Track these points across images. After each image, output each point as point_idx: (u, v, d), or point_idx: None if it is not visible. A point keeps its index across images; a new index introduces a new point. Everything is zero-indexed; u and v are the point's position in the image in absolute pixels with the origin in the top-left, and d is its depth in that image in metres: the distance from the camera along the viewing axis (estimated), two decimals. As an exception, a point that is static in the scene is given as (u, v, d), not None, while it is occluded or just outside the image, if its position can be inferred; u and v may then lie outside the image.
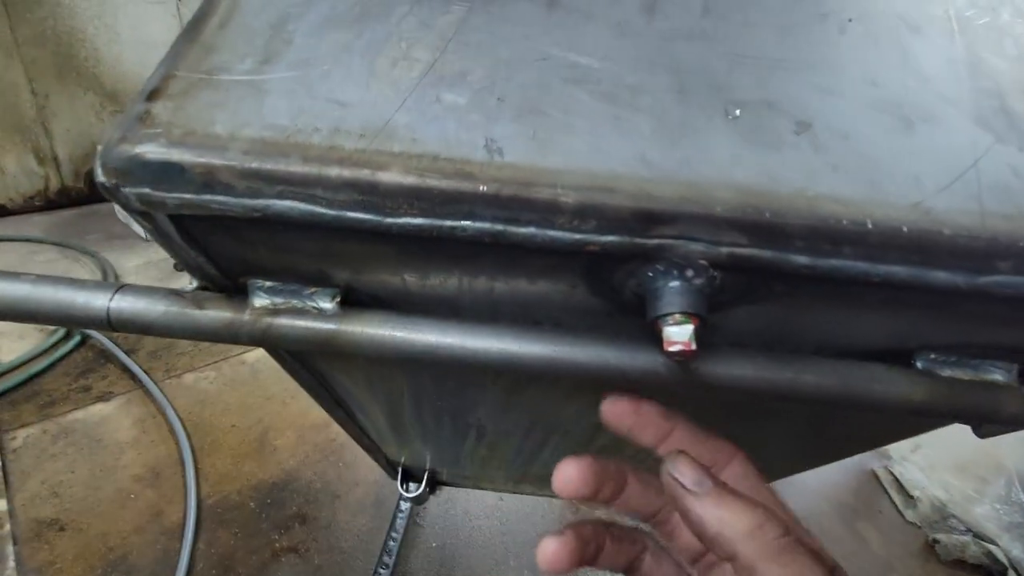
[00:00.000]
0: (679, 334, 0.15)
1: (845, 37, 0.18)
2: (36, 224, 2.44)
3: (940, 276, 0.15)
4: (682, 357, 0.15)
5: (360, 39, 0.17)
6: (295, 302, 0.18)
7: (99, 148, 0.15)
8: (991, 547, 1.56)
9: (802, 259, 0.15)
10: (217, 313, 0.18)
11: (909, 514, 1.69)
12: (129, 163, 0.15)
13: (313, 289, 0.19)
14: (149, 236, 0.18)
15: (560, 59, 0.17)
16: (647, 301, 0.16)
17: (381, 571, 1.18)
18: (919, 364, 0.20)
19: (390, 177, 0.15)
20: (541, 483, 0.51)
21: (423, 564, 1.31)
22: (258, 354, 1.88)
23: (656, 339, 0.16)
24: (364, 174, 0.15)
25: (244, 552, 1.30)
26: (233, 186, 0.15)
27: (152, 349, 1.83)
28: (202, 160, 0.15)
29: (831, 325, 0.18)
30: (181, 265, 0.20)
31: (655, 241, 0.15)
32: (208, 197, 0.15)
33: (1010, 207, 0.15)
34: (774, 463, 0.39)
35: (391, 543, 1.24)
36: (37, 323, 0.20)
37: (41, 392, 1.62)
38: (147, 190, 0.15)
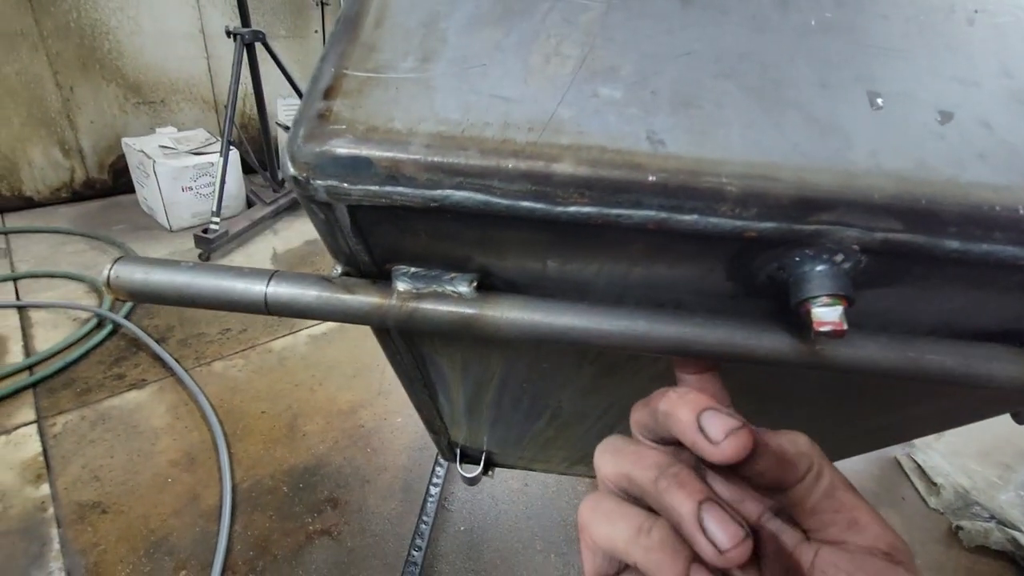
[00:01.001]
0: (830, 315, 0.16)
1: (974, 28, 0.18)
2: (63, 216, 2.48)
3: None
4: (833, 337, 0.16)
5: (509, 36, 0.18)
6: (435, 287, 0.20)
7: (287, 144, 0.16)
8: (1015, 533, 1.56)
9: (954, 244, 0.16)
10: (366, 298, 0.19)
11: (932, 501, 1.70)
12: (319, 158, 0.16)
13: (452, 275, 0.20)
14: (316, 224, 0.19)
15: (704, 53, 0.18)
16: (793, 284, 0.17)
17: (414, 553, 1.21)
18: (1027, 341, 0.21)
19: (563, 168, 0.16)
20: None
21: (452, 547, 1.34)
22: (285, 342, 1.91)
23: (799, 321, 0.17)
24: (539, 165, 0.16)
25: (279, 534, 1.33)
26: (415, 178, 0.16)
27: (182, 337, 1.87)
28: (388, 155, 0.16)
29: (954, 306, 0.19)
30: (333, 251, 0.21)
31: (812, 227, 0.16)
32: (391, 189, 0.16)
33: None
34: (837, 444, 0.40)
35: (423, 526, 1.27)
36: (200, 307, 0.21)
37: (77, 380, 1.66)
38: (335, 183, 0.16)
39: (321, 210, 0.17)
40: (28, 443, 1.45)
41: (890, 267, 0.17)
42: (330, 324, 2.02)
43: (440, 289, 0.19)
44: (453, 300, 0.19)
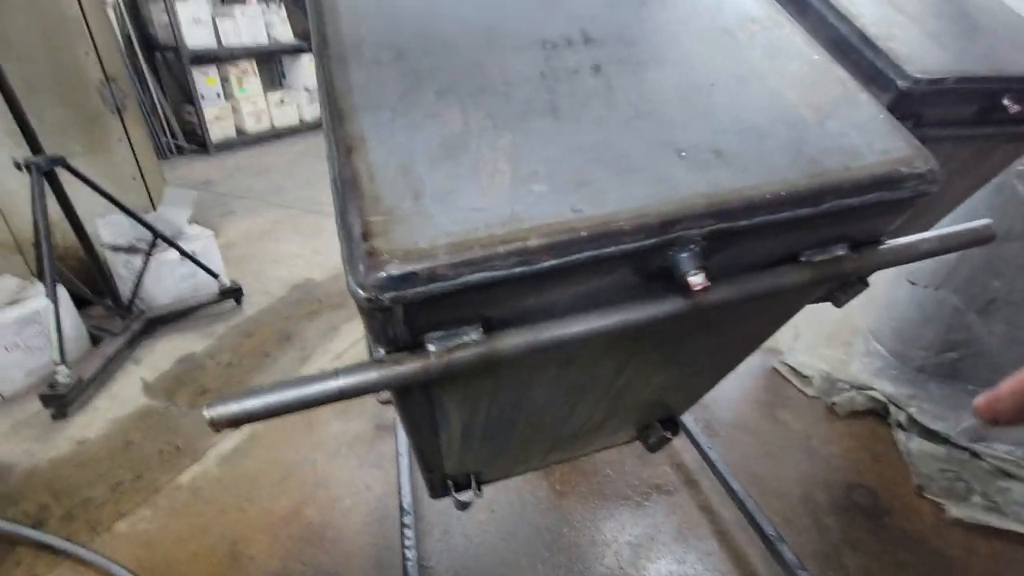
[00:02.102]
0: (698, 279, 0.27)
1: (715, 98, 0.31)
2: None
3: (788, 213, 0.29)
4: (703, 291, 0.27)
5: (461, 167, 0.26)
6: (456, 340, 0.27)
7: (352, 279, 0.23)
8: (870, 392, 1.95)
9: (743, 222, 0.28)
10: (412, 364, 0.26)
11: (809, 391, 2.06)
12: (383, 281, 0.23)
13: (463, 328, 0.27)
14: (373, 325, 0.25)
15: (578, 149, 0.28)
16: (674, 268, 0.28)
17: (412, 620, 1.20)
18: (802, 259, 0.34)
19: (532, 243, 0.25)
20: (566, 447, 0.61)
21: (445, 599, 1.35)
22: (193, 472, 1.75)
23: (681, 288, 0.28)
24: (517, 246, 0.25)
25: (261, 670, 1.23)
26: (445, 275, 0.23)
27: (63, 513, 1.62)
28: (425, 266, 0.23)
29: (756, 253, 0.32)
30: (379, 339, 0.27)
31: (674, 235, 0.27)
32: (432, 286, 0.23)
33: (810, 172, 0.30)
34: (719, 364, 0.54)
35: (411, 591, 1.26)
36: (290, 413, 0.26)
37: (-60, 611, 1.37)
38: (395, 293, 0.23)
39: (383, 314, 0.24)
40: None
41: (719, 243, 0.29)
42: (240, 436, 1.88)
43: (459, 341, 0.27)
44: (471, 346, 0.27)
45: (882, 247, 0.35)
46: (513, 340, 0.28)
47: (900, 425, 1.84)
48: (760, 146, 0.30)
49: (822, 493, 1.63)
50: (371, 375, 0.26)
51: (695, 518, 1.57)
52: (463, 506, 0.61)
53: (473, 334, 0.28)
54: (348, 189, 0.25)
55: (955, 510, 1.53)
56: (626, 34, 0.33)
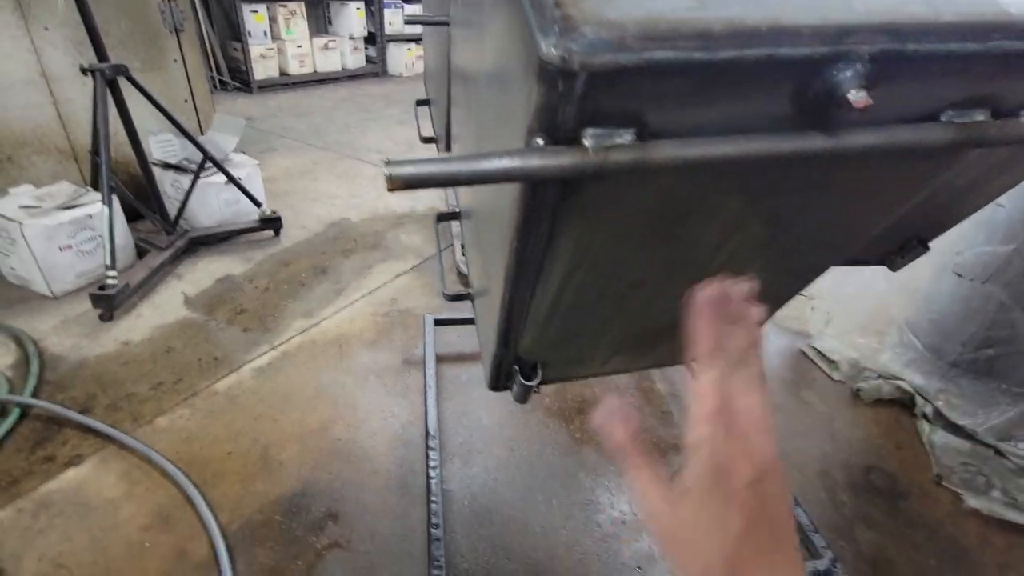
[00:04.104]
0: (860, 96, 0.28)
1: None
2: (-94, 308, 2.11)
3: (956, 45, 0.29)
4: (865, 108, 0.28)
5: None
6: (611, 139, 0.29)
7: (541, 44, 0.25)
8: (898, 382, 1.94)
9: (911, 46, 0.29)
10: (572, 156, 0.28)
11: (835, 375, 2.05)
12: (576, 44, 0.24)
13: (620, 130, 0.29)
14: (547, 99, 0.27)
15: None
16: (833, 87, 0.29)
17: (433, 530, 1.25)
18: (943, 118, 0.34)
19: (717, 28, 0.26)
20: (633, 349, 0.63)
21: (464, 519, 1.40)
22: (229, 382, 1.82)
23: (842, 104, 0.29)
24: (702, 28, 0.26)
25: (287, 560, 1.30)
26: (633, 47, 0.25)
27: (109, 403, 1.71)
28: (617, 35, 0.25)
29: (909, 96, 0.33)
30: (545, 127, 0.28)
31: (847, 47, 0.28)
32: (619, 56, 0.25)
33: (983, 11, 0.30)
34: (807, 258, 0.54)
35: (434, 506, 1.32)
36: (463, 184, 0.27)
37: (-4, 475, 1.46)
38: (585, 58, 0.25)
39: (565, 84, 0.26)
40: (-41, 554, 1.27)
41: (885, 66, 0.29)
42: (273, 354, 1.95)
43: (615, 141, 0.29)
44: (626, 148, 0.29)
45: (1022, 118, 0.35)
46: (665, 150, 0.29)
47: (926, 417, 1.83)
48: None
49: (841, 472, 1.64)
50: (533, 161, 0.28)
51: (711, 478, 1.60)
52: (523, 394, 0.63)
53: (628, 136, 0.29)
54: None
55: (973, 501, 1.53)
56: None
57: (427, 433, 1.54)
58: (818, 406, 1.90)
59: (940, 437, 1.76)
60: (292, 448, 1.59)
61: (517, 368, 0.61)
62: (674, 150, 0.29)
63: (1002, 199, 1.34)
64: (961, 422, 1.77)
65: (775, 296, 0.62)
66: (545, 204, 0.34)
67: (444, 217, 0.95)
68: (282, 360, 1.94)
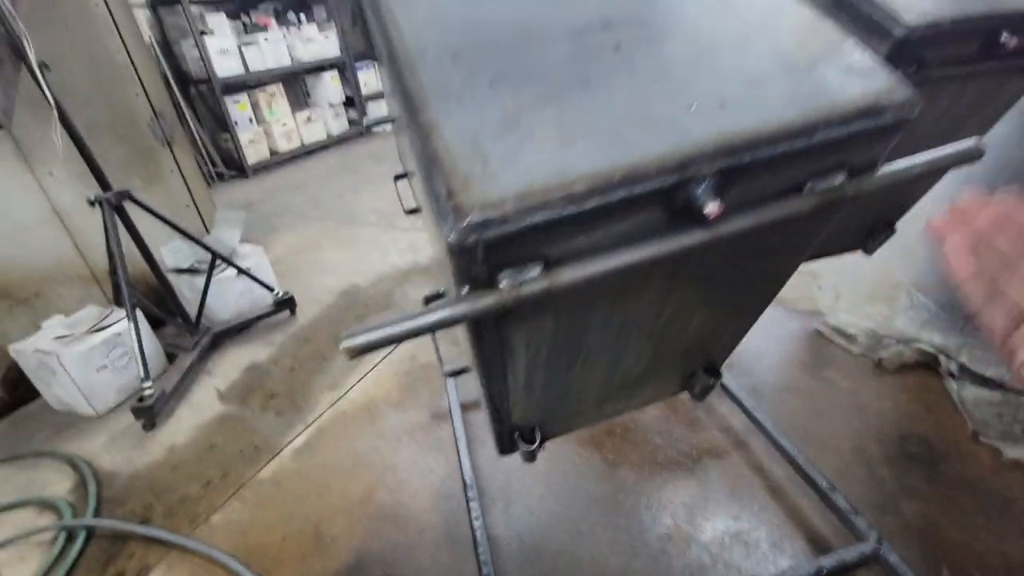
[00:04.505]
0: (713, 207, 0.34)
1: (718, 56, 0.38)
2: (-32, 452, 2.25)
3: (785, 146, 0.36)
4: (719, 217, 0.34)
5: (517, 137, 0.34)
6: (522, 276, 0.35)
7: (445, 230, 0.32)
8: (918, 344, 1.94)
9: (747, 158, 0.35)
10: (491, 298, 0.35)
11: (854, 349, 2.05)
12: (467, 226, 0.31)
13: (528, 266, 0.36)
14: (459, 266, 0.34)
15: (608, 113, 0.35)
16: (693, 201, 0.35)
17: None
18: (806, 189, 0.40)
19: (579, 188, 0.33)
20: (618, 397, 0.69)
21: (513, 563, 1.44)
22: (272, 468, 1.90)
23: (700, 217, 0.35)
24: (566, 191, 0.32)
25: (354, 634, 1.35)
26: (513, 218, 0.32)
27: (165, 509, 1.79)
28: (499, 212, 0.32)
29: (763, 185, 0.39)
30: (464, 279, 0.36)
31: (690, 172, 0.34)
32: (504, 227, 0.32)
33: (803, 110, 0.36)
34: (751, 302, 0.59)
35: (482, 555, 1.36)
36: (407, 340, 0.34)
37: (74, 599, 1.55)
38: (477, 235, 0.32)
39: (467, 254, 0.33)
40: None
41: (729, 177, 0.36)
42: (309, 432, 2.03)
43: (525, 276, 0.35)
44: (534, 280, 0.35)
45: (878, 173, 0.41)
46: (568, 274, 0.36)
47: (952, 374, 1.83)
48: (759, 93, 0.37)
49: (875, 446, 1.65)
50: (459, 308, 0.34)
51: (747, 477, 1.62)
52: (530, 456, 0.69)
53: (536, 270, 0.36)
54: (431, 164, 0.34)
55: (1012, 451, 1.52)
56: (640, 15, 0.41)
57: (464, 484, 1.59)
58: (841, 383, 1.91)
59: (970, 392, 1.76)
60: (341, 522, 1.65)
61: (518, 434, 0.67)
62: (576, 272, 0.36)
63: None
64: (988, 373, 1.77)
65: (734, 332, 0.68)
66: (487, 322, 0.41)
67: (431, 299, 1.03)
68: (318, 436, 2.01)
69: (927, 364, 1.91)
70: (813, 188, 0.40)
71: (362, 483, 1.78)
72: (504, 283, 0.35)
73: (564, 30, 0.40)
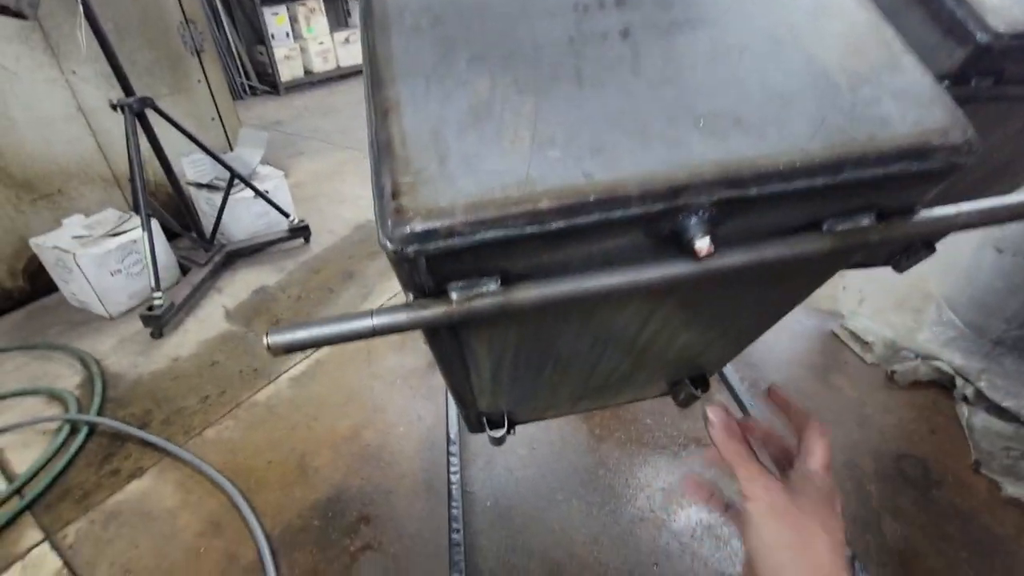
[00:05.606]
0: (704, 243, 0.29)
1: (744, 59, 0.31)
2: (-12, 335, 2.35)
3: (803, 183, 0.30)
4: (709, 255, 0.29)
5: (485, 132, 0.29)
6: (475, 290, 0.31)
7: (382, 231, 0.27)
8: (936, 363, 1.85)
9: (752, 191, 0.29)
10: (438, 309, 0.30)
11: (868, 357, 1.98)
12: (407, 235, 0.27)
13: (483, 280, 0.31)
14: (401, 274, 0.30)
15: (599, 116, 0.29)
16: (682, 232, 0.30)
17: (455, 536, 1.33)
18: (824, 228, 0.34)
19: (543, 205, 0.27)
20: (595, 396, 0.65)
21: (485, 521, 1.47)
22: (268, 392, 1.95)
23: (688, 251, 0.30)
24: (528, 207, 0.27)
25: (325, 563, 1.41)
26: (462, 232, 0.27)
27: (163, 417, 1.87)
28: (445, 223, 0.27)
29: (771, 220, 0.32)
30: (408, 286, 0.31)
31: (682, 201, 0.29)
32: (450, 241, 0.27)
33: (831, 142, 0.30)
34: (745, 329, 0.54)
35: (454, 511, 1.39)
36: (333, 344, 0.31)
37: (72, 489, 1.64)
38: (417, 247, 0.27)
39: (407, 264, 0.28)
40: (46, 562, 1.45)
41: (729, 209, 0.30)
42: (307, 362, 2.06)
43: (478, 291, 0.31)
44: (488, 295, 0.31)
45: (914, 218, 0.34)
46: (528, 293, 0.31)
47: (966, 399, 1.75)
48: (783, 114, 0.30)
49: (869, 461, 1.61)
50: (400, 317, 0.30)
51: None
52: (497, 442, 0.67)
53: (491, 285, 0.31)
54: (382, 151, 0.29)
55: (1012, 488, 1.47)
56: None
57: (448, 439, 1.61)
58: (848, 391, 1.85)
59: (981, 420, 1.69)
60: (326, 455, 1.70)
61: (485, 420, 0.64)
62: (538, 291, 0.31)
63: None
64: (1005, 403, 1.69)
65: (724, 354, 0.63)
66: (441, 332, 0.37)
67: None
68: (315, 368, 2.05)
69: (941, 384, 1.83)
70: (832, 228, 0.33)
71: (351, 420, 1.81)
72: (454, 295, 0.31)
73: (569, 2, 0.33)
